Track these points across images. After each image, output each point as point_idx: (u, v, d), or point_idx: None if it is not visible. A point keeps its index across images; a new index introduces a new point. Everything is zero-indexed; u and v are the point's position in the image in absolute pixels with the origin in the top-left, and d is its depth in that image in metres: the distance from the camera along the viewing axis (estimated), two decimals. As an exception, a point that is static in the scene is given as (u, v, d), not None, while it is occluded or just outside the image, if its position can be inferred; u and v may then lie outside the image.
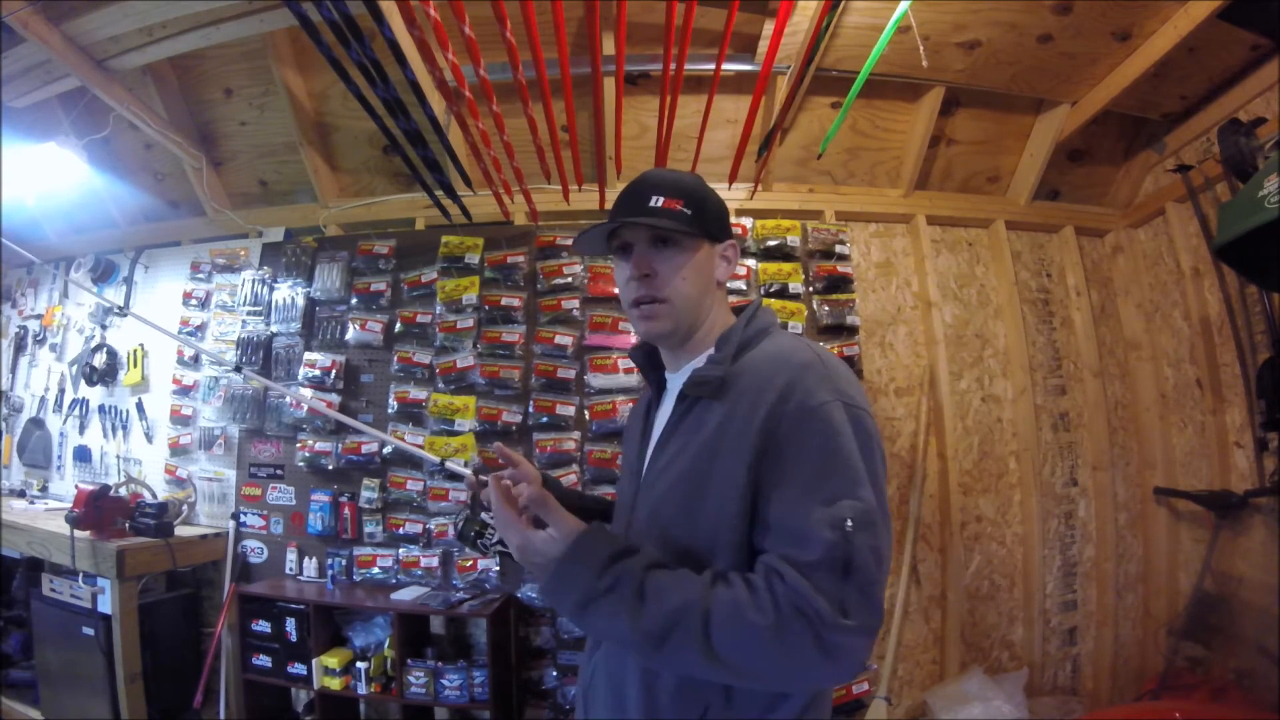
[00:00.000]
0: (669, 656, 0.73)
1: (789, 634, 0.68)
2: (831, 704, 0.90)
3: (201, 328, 2.94)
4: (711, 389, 0.85)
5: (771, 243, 2.69)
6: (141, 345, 3.02)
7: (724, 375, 0.85)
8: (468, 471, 1.10)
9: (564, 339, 2.60)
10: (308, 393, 2.66)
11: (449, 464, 1.22)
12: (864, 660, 0.73)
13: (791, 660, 0.70)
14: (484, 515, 1.06)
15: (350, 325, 2.71)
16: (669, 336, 0.94)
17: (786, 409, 0.78)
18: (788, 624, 0.68)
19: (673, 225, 0.89)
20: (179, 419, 2.88)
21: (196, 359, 2.90)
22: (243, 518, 2.73)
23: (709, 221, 0.92)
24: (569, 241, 2.69)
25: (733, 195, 2.74)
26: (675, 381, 0.97)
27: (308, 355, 2.72)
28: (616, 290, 1.03)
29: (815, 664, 0.69)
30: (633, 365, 2.47)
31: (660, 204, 0.90)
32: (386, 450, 2.63)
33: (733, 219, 2.70)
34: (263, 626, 2.45)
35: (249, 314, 2.85)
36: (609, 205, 1.48)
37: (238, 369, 1.90)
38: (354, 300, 2.74)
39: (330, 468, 2.64)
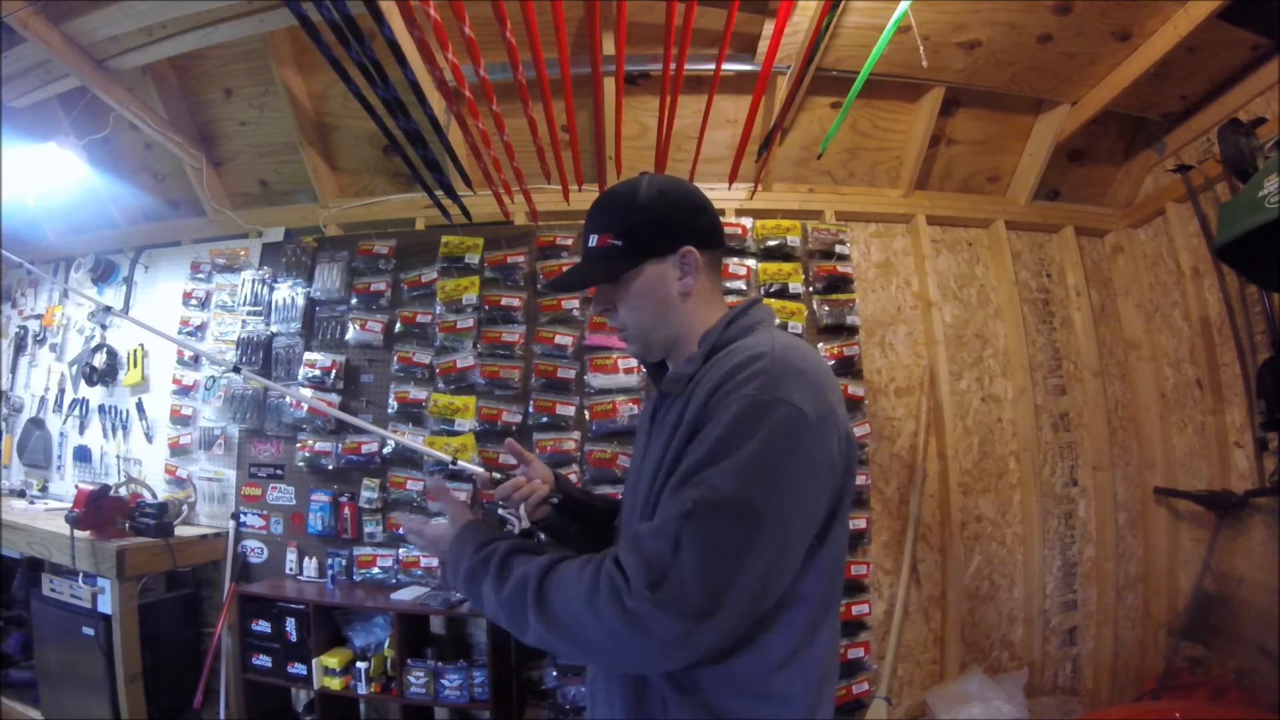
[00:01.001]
0: (519, 621, 0.78)
1: (598, 595, 0.72)
2: (833, 707, 0.90)
3: (201, 328, 2.94)
4: (681, 386, 0.86)
5: (771, 243, 2.68)
6: (141, 345, 3.02)
7: (693, 373, 0.86)
8: (481, 469, 1.14)
9: (564, 339, 2.60)
10: (308, 393, 2.66)
11: (460, 464, 1.23)
12: (684, 645, 0.70)
13: (599, 622, 0.71)
14: (500, 511, 1.07)
15: (350, 325, 2.71)
16: (645, 355, 0.99)
17: (712, 400, 0.78)
18: (600, 586, 0.72)
19: (600, 274, 0.94)
20: (179, 419, 2.88)
21: (197, 359, 2.90)
22: (243, 518, 2.73)
23: (644, 241, 0.91)
24: (569, 242, 2.69)
25: (733, 195, 2.74)
26: None
27: (308, 355, 2.71)
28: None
29: (618, 632, 0.70)
30: (633, 365, 2.51)
31: (595, 242, 0.94)
32: (386, 450, 2.63)
33: (733, 219, 2.71)
34: (263, 626, 2.45)
35: (249, 314, 2.85)
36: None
37: (236, 369, 1.89)
38: (354, 300, 2.74)
39: (330, 468, 2.64)
